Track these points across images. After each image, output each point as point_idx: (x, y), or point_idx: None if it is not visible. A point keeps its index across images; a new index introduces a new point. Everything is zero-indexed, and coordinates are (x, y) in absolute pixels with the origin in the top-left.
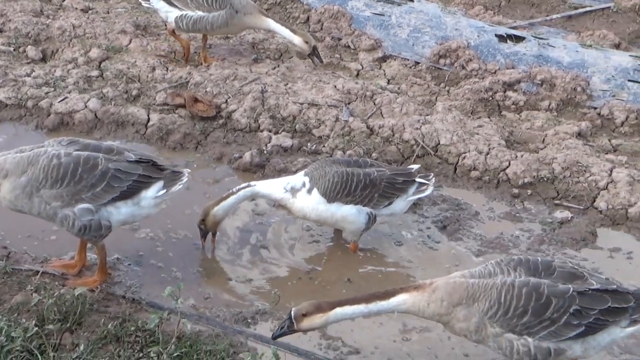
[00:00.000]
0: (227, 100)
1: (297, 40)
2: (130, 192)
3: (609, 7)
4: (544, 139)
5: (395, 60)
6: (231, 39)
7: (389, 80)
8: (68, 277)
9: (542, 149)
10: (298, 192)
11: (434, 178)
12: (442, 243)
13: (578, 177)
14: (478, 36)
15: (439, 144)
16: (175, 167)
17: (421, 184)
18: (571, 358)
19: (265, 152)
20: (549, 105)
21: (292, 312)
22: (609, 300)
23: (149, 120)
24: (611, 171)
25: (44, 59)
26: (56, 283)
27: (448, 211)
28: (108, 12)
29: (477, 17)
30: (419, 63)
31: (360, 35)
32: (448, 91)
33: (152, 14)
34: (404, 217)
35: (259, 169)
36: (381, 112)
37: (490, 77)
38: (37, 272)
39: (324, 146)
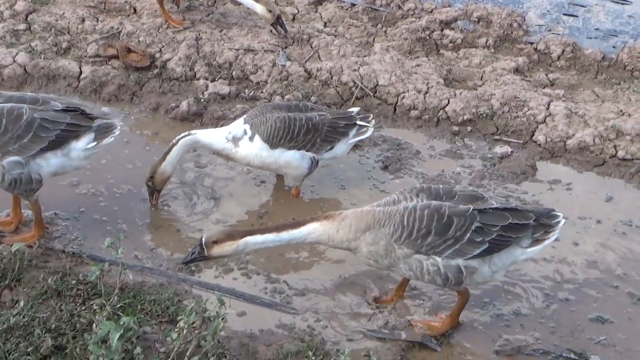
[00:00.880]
0: (161, 50)
1: (259, 8)
2: (59, 142)
3: None
4: (482, 76)
5: (331, 3)
6: None
7: (325, 23)
8: (4, 234)
9: (480, 86)
10: (240, 141)
11: (373, 119)
12: (385, 183)
13: (516, 112)
14: None
15: (377, 85)
16: (107, 117)
17: (361, 126)
18: (480, 282)
19: (202, 100)
20: (486, 42)
21: (203, 239)
22: (510, 217)
23: (81, 73)
24: (549, 105)
25: None
26: None
27: (389, 151)
28: None
29: None
30: (355, 5)
31: None
32: (385, 32)
33: None
34: (346, 159)
35: (197, 118)
36: (319, 55)
37: (427, 16)
38: None
39: (262, 92)
